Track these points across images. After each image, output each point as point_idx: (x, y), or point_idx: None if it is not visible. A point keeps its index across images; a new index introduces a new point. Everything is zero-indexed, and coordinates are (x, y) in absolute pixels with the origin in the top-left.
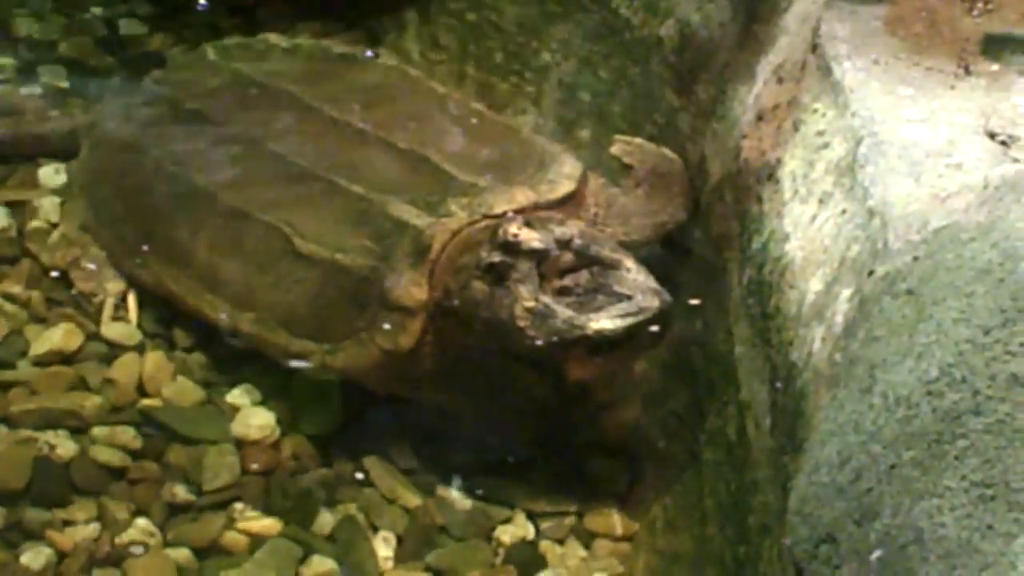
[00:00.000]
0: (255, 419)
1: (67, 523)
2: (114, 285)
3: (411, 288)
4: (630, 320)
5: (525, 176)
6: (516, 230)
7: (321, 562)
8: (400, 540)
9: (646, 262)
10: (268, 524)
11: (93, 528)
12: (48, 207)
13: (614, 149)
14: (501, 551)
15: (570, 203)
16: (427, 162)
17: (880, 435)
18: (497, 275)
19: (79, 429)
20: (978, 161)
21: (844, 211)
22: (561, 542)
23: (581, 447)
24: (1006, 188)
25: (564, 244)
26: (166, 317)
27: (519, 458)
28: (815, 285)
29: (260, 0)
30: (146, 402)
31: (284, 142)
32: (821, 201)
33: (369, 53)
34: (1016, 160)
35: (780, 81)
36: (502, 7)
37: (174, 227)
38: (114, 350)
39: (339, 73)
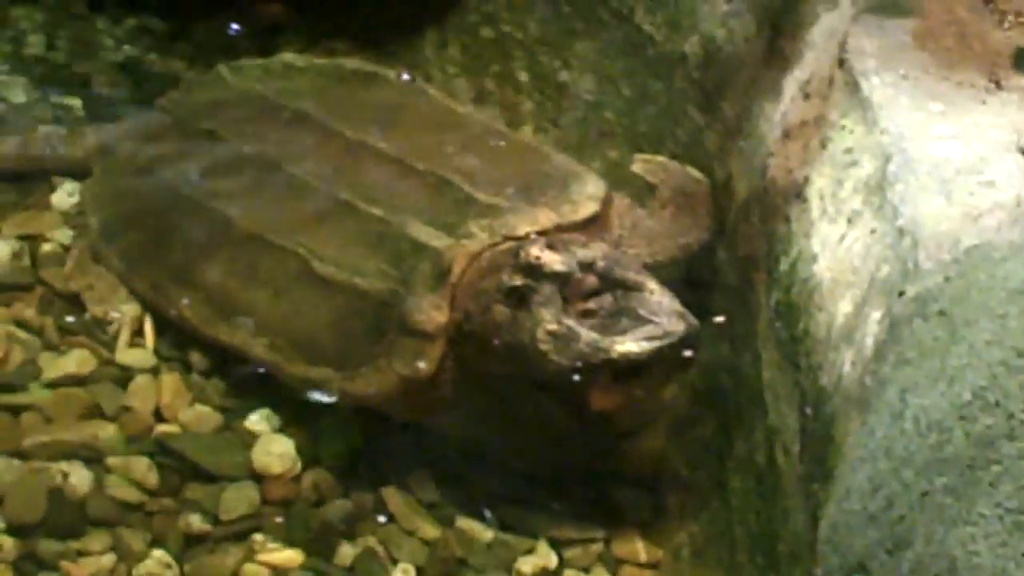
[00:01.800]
0: (275, 448)
1: (81, 554)
2: (129, 309)
3: (431, 312)
4: (655, 344)
5: (548, 197)
6: (538, 252)
7: None
8: (419, 572)
9: (671, 284)
10: (290, 556)
11: (108, 559)
12: (61, 232)
13: (637, 168)
14: None
15: (594, 224)
16: (447, 183)
17: (912, 461)
18: (519, 298)
19: (94, 459)
20: (1010, 178)
21: (873, 230)
22: (586, 570)
23: (604, 475)
24: None
25: (587, 266)
26: (182, 342)
27: (541, 486)
28: (844, 307)
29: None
30: (162, 428)
31: (301, 163)
32: (850, 220)
33: (390, 73)
34: None
35: (807, 97)
36: (523, 24)
37: (188, 251)
38: (130, 376)
39: (356, 92)
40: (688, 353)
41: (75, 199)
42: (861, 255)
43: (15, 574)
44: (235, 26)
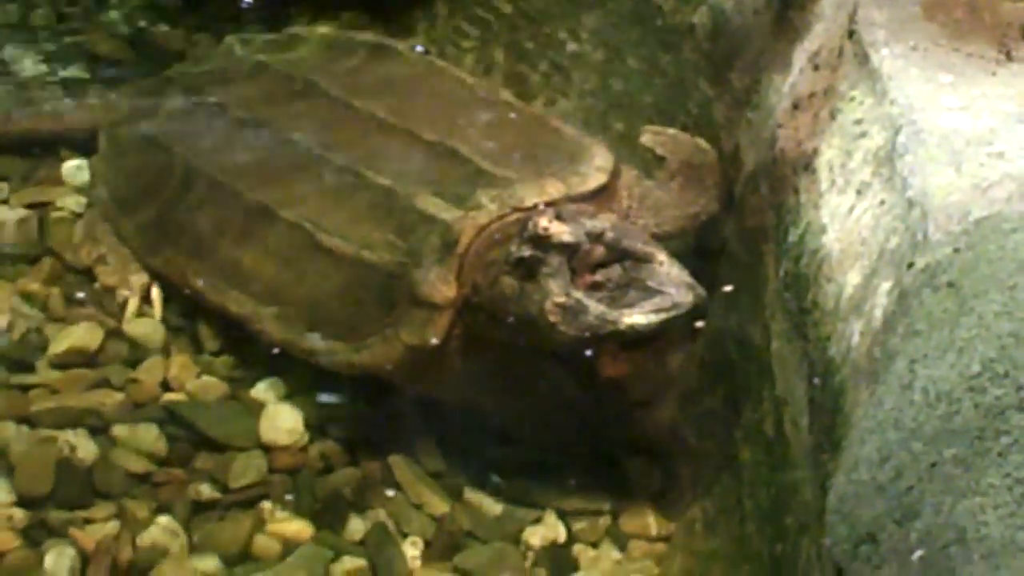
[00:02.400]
0: (282, 419)
1: (88, 522)
2: (138, 280)
3: (439, 284)
4: (664, 315)
5: (556, 168)
6: (547, 223)
7: (352, 561)
8: (428, 544)
9: (679, 255)
10: (300, 528)
11: (113, 525)
12: (71, 203)
13: (645, 139)
14: (531, 554)
15: (602, 196)
16: (455, 154)
17: (921, 432)
18: (527, 270)
19: (100, 429)
20: (1020, 149)
21: (883, 202)
22: (595, 544)
23: (613, 446)
24: None
25: (596, 237)
26: (190, 311)
27: (549, 458)
28: (853, 278)
29: None
30: (169, 396)
31: (309, 135)
32: (859, 192)
33: (399, 45)
34: None
35: (816, 69)
36: None
37: (197, 222)
38: (137, 346)
39: (365, 64)
40: (697, 324)
41: (85, 172)
42: (870, 226)
43: (25, 541)
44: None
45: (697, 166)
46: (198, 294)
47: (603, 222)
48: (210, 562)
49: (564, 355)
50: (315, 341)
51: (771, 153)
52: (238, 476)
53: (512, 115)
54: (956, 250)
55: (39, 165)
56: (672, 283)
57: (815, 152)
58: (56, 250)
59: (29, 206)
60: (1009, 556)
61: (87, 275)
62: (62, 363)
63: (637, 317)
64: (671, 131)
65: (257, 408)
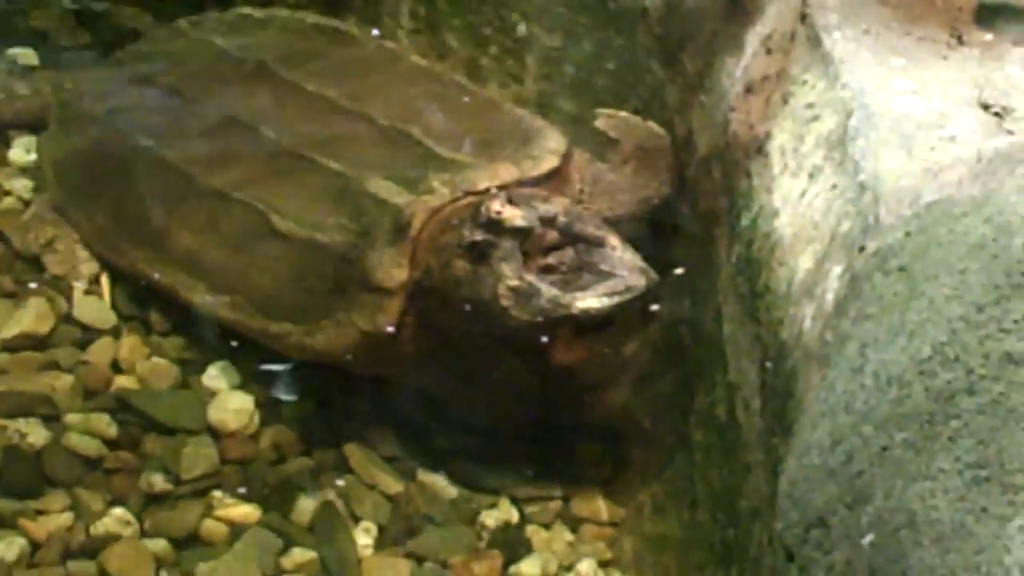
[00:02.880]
0: (232, 404)
1: (40, 512)
2: (87, 266)
3: (391, 268)
4: (616, 299)
5: (508, 152)
6: (499, 207)
7: (302, 553)
8: (381, 528)
9: (632, 239)
10: (247, 511)
11: (67, 517)
12: (19, 187)
13: (598, 123)
14: (485, 535)
15: (555, 179)
16: (408, 138)
17: (872, 416)
18: (479, 253)
19: (52, 416)
20: (971, 133)
21: (834, 186)
22: (547, 526)
23: (566, 430)
24: (1000, 161)
25: (548, 222)
26: (140, 297)
27: (503, 442)
28: (805, 262)
29: None
30: (121, 381)
31: (261, 118)
32: (811, 176)
33: (352, 27)
34: (1010, 132)
35: (769, 52)
36: None
37: (148, 206)
38: (87, 332)
39: (317, 47)
40: (651, 307)
41: (33, 155)
42: (822, 210)
43: None
44: None
45: (650, 150)
46: (148, 278)
47: (556, 206)
48: (160, 543)
49: (517, 340)
50: (267, 324)
51: (724, 137)
52: (190, 467)
53: (465, 98)
54: (907, 234)
55: None
56: (625, 267)
57: (767, 136)
58: (5, 233)
59: None
60: (959, 540)
61: (36, 260)
62: (12, 347)
63: (590, 300)
64: (624, 114)
65: (208, 396)
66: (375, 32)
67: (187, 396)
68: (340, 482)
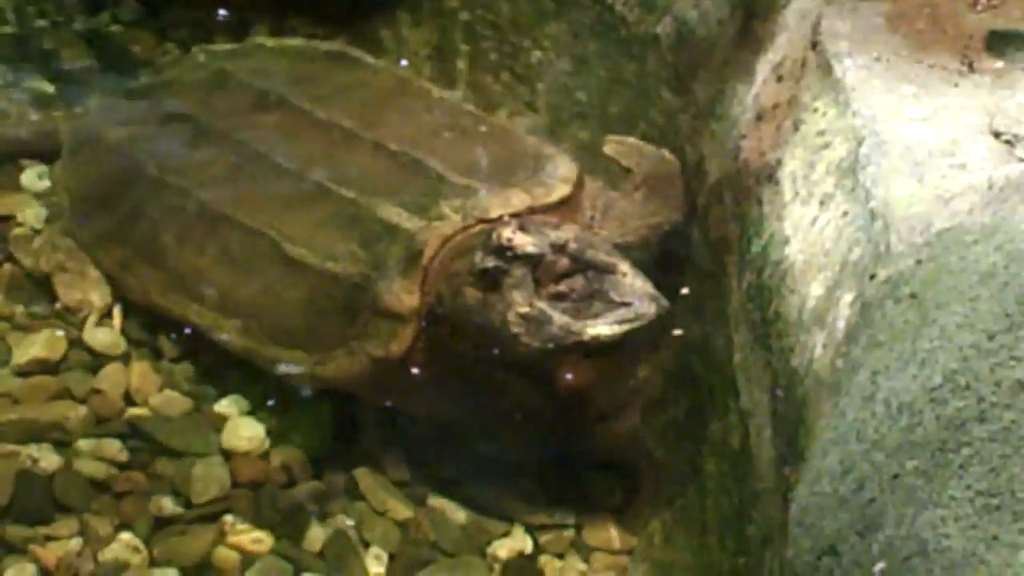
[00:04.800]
0: (244, 431)
1: (50, 538)
2: (98, 292)
3: (402, 295)
4: (627, 326)
5: (520, 179)
6: (510, 234)
7: None
8: (392, 556)
9: (643, 266)
10: (259, 537)
11: (76, 542)
12: (32, 213)
13: (609, 150)
14: (497, 566)
15: (566, 206)
16: (419, 164)
17: (883, 444)
18: (491, 280)
19: (63, 442)
20: (982, 161)
21: (845, 213)
22: (560, 556)
23: (577, 458)
24: (1011, 189)
25: (559, 248)
26: (152, 325)
27: (514, 469)
28: (816, 289)
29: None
30: (133, 411)
31: (273, 145)
32: (822, 203)
33: (364, 55)
34: (1021, 160)
35: (780, 80)
36: (496, 5)
37: (160, 232)
38: (99, 359)
39: (329, 74)
40: (664, 335)
41: (46, 180)
42: (833, 237)
43: None
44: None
45: (661, 177)
46: (159, 305)
47: (567, 233)
48: (170, 573)
49: (528, 367)
50: (278, 352)
51: (735, 164)
52: (201, 491)
53: (476, 125)
54: (918, 261)
55: None
56: (635, 294)
57: (778, 163)
58: (17, 259)
59: None
60: (970, 568)
61: (48, 285)
62: (25, 372)
63: (601, 328)
64: (635, 141)
65: (220, 422)
66: (387, 59)
67: (199, 422)
68: (351, 509)
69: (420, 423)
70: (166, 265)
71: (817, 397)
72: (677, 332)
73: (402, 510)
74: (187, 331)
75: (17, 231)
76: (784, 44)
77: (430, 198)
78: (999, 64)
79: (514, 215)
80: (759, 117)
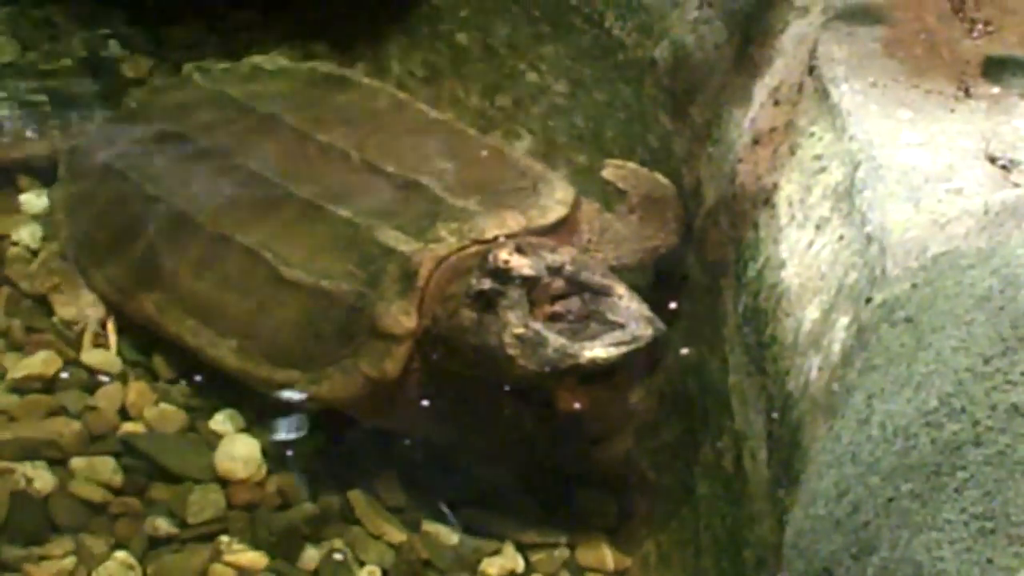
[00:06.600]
0: (240, 450)
1: (44, 558)
2: (95, 312)
3: (398, 315)
4: (623, 348)
5: (516, 201)
6: (507, 256)
7: None
8: (386, 573)
9: (638, 289)
10: (254, 558)
11: (70, 561)
12: (26, 235)
13: (606, 173)
14: None
15: (562, 228)
16: (416, 186)
17: (878, 467)
18: (486, 302)
19: (58, 461)
20: (978, 186)
21: (841, 237)
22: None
23: (572, 478)
24: (1007, 214)
25: (555, 271)
26: (147, 343)
27: (508, 490)
28: (812, 313)
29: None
30: (127, 427)
31: (269, 166)
32: (818, 227)
33: (360, 76)
34: (1017, 185)
35: (776, 104)
36: (492, 28)
37: (155, 253)
38: (94, 377)
39: (326, 96)
40: (654, 357)
41: (44, 201)
42: (829, 261)
43: None
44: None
45: (657, 200)
46: (155, 325)
47: (563, 255)
48: None
49: (523, 388)
50: (273, 372)
51: (731, 188)
52: (196, 512)
53: (473, 147)
54: (914, 285)
55: None
56: (631, 317)
57: (775, 187)
58: (13, 279)
59: None
60: None
61: (44, 304)
62: (20, 389)
63: (597, 350)
64: (631, 165)
65: (215, 440)
66: (384, 81)
67: (194, 441)
68: (346, 532)
69: (415, 443)
70: (162, 286)
71: (812, 420)
72: (672, 354)
73: (396, 533)
74: (182, 351)
75: (13, 250)
76: (781, 69)
77: (427, 220)
78: (995, 90)
79: (510, 237)
80: (756, 141)
